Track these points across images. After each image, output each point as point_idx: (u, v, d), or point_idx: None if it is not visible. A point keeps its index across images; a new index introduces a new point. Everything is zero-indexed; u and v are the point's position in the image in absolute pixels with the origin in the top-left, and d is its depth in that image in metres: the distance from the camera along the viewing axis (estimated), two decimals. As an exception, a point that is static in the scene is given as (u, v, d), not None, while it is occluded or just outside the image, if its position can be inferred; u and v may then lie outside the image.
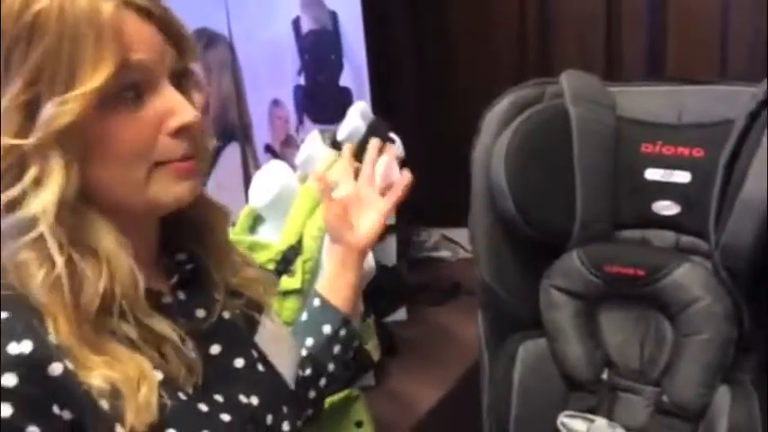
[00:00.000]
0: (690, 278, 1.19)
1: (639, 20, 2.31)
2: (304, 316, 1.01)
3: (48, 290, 0.64)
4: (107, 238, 0.67)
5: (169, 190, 0.69)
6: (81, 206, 0.66)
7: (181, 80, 0.71)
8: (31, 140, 0.63)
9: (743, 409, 1.14)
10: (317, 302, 1.00)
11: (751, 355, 1.18)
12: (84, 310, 0.64)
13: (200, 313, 0.78)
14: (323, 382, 0.99)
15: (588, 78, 1.33)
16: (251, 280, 0.84)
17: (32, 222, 0.64)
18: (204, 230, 0.79)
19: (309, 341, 0.97)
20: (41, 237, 0.64)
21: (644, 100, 1.30)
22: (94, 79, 0.63)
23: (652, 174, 1.26)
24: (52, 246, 0.64)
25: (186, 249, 0.80)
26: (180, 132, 0.68)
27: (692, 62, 2.24)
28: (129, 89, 0.66)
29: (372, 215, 1.03)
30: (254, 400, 0.78)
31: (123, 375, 0.64)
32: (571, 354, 1.29)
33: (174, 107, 0.67)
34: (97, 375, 0.63)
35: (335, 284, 1.01)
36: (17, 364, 0.60)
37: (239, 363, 0.79)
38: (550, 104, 1.30)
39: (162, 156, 0.68)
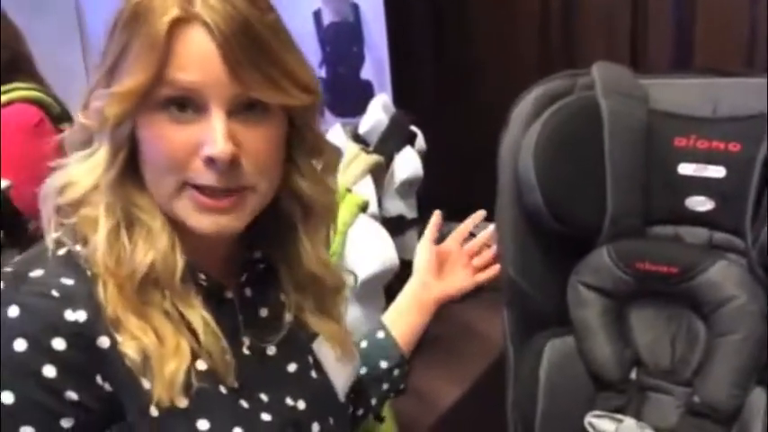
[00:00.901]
0: (725, 276, 1.16)
1: (666, 11, 2.27)
2: (363, 344, 1.00)
3: (100, 251, 0.67)
4: (155, 219, 0.69)
5: (190, 216, 0.68)
6: (137, 187, 0.69)
7: (253, 108, 0.68)
8: (89, 123, 0.68)
9: (779, 412, 1.11)
10: (381, 335, 0.99)
11: (788, 355, 1.15)
12: (129, 276, 0.67)
13: (263, 312, 0.79)
14: (360, 411, 0.99)
15: (620, 70, 1.30)
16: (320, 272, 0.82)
17: (71, 186, 0.69)
18: (281, 236, 0.79)
19: (363, 370, 0.97)
20: (98, 202, 0.68)
21: (677, 92, 1.26)
22: (129, 84, 0.64)
23: (685, 168, 1.22)
24: (101, 211, 0.68)
25: (262, 248, 0.79)
26: (210, 162, 0.66)
27: (719, 54, 2.19)
28: (171, 103, 0.66)
29: (465, 275, 1.08)
30: (301, 405, 0.78)
31: (157, 345, 0.66)
32: (599, 352, 1.26)
33: (210, 136, 0.66)
34: (132, 345, 0.65)
35: (405, 324, 1.02)
36: (70, 330, 0.64)
37: (292, 367, 0.80)
38: (581, 97, 1.27)
39: (190, 178, 0.67)
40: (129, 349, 0.65)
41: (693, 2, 2.21)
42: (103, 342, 0.65)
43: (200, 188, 0.67)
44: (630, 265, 1.22)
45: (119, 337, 0.65)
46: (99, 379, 0.65)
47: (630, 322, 1.27)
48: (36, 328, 0.63)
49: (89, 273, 0.67)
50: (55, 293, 0.64)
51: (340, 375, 0.84)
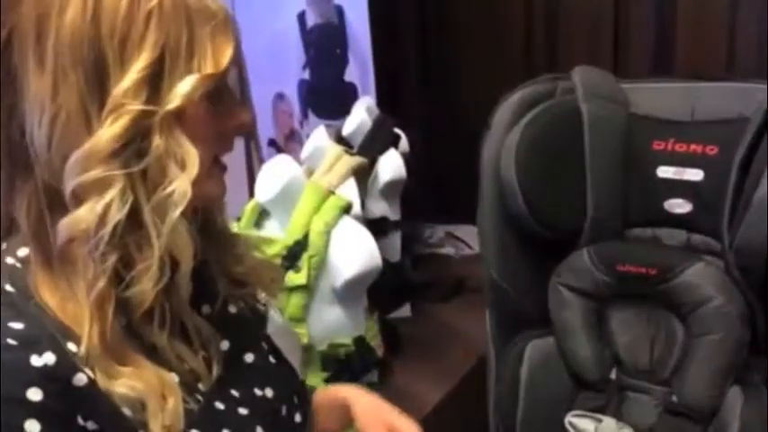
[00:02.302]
0: (702, 277, 1.17)
1: (647, 17, 2.29)
2: None
3: (98, 287, 0.62)
4: (185, 238, 0.65)
5: (218, 185, 0.71)
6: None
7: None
8: (169, 107, 0.63)
9: (755, 411, 1.13)
10: None
11: (764, 355, 1.17)
12: (123, 311, 0.64)
13: (206, 309, 0.78)
14: None
15: (601, 74, 1.32)
16: (256, 268, 0.82)
17: (174, 202, 0.63)
18: (203, 224, 0.77)
19: None
20: (114, 233, 0.61)
21: (657, 97, 1.28)
22: (215, 66, 0.65)
23: (664, 171, 1.24)
24: (151, 228, 0.63)
25: None
26: (239, 130, 0.71)
27: (700, 60, 2.22)
28: (220, 85, 0.68)
29: None
30: (269, 393, 0.78)
31: (148, 387, 0.63)
32: (580, 353, 1.27)
33: (240, 109, 0.70)
34: (122, 384, 0.62)
35: None
36: (42, 377, 0.59)
37: (250, 357, 0.79)
38: (562, 101, 1.28)
39: (222, 150, 0.70)
40: (120, 388, 0.62)
41: (674, 8, 2.23)
42: (80, 380, 0.61)
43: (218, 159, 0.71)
44: (610, 266, 1.24)
45: (93, 376, 0.62)
46: (80, 420, 0.61)
47: (610, 323, 1.29)
48: (6, 384, 0.58)
49: (32, 310, 0.62)
50: (12, 342, 0.59)
51: (291, 355, 0.86)
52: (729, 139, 1.18)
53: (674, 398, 1.21)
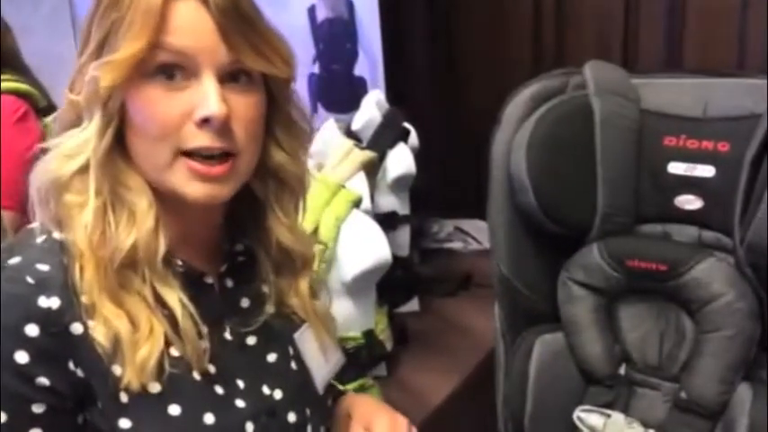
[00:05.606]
0: (713, 274, 1.17)
1: (657, 15, 2.29)
2: None
3: (82, 232, 0.68)
4: (142, 199, 0.70)
5: (184, 185, 0.69)
6: (125, 165, 0.70)
7: (237, 79, 0.70)
8: (79, 98, 0.69)
9: (764, 407, 1.13)
10: None
11: (774, 352, 1.17)
12: (110, 258, 0.68)
13: (245, 303, 0.80)
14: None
15: (612, 70, 1.31)
16: (301, 240, 0.82)
17: (61, 166, 0.69)
18: (259, 226, 0.80)
19: None
20: (87, 183, 0.69)
21: (668, 93, 1.28)
22: (125, 51, 0.66)
23: (675, 167, 1.24)
24: (91, 190, 0.69)
25: (243, 240, 0.81)
26: (204, 124, 0.68)
27: (710, 57, 2.21)
28: (164, 70, 0.67)
29: None
30: (278, 394, 0.78)
31: (130, 330, 0.67)
32: (589, 348, 1.27)
33: (203, 99, 0.67)
34: (103, 331, 0.66)
35: None
36: (43, 317, 0.65)
37: (272, 357, 0.81)
38: (573, 96, 1.28)
39: (183, 143, 0.68)
40: (100, 335, 0.66)
41: (684, 4, 2.23)
42: (76, 328, 0.66)
43: (192, 155, 0.68)
44: (620, 262, 1.24)
45: (91, 323, 0.66)
46: (71, 365, 0.66)
47: (620, 319, 1.29)
48: (9, 315, 0.64)
49: (65, 260, 0.68)
50: (29, 280, 0.66)
51: (321, 367, 0.84)
52: (741, 135, 1.17)
53: (683, 394, 1.21)
